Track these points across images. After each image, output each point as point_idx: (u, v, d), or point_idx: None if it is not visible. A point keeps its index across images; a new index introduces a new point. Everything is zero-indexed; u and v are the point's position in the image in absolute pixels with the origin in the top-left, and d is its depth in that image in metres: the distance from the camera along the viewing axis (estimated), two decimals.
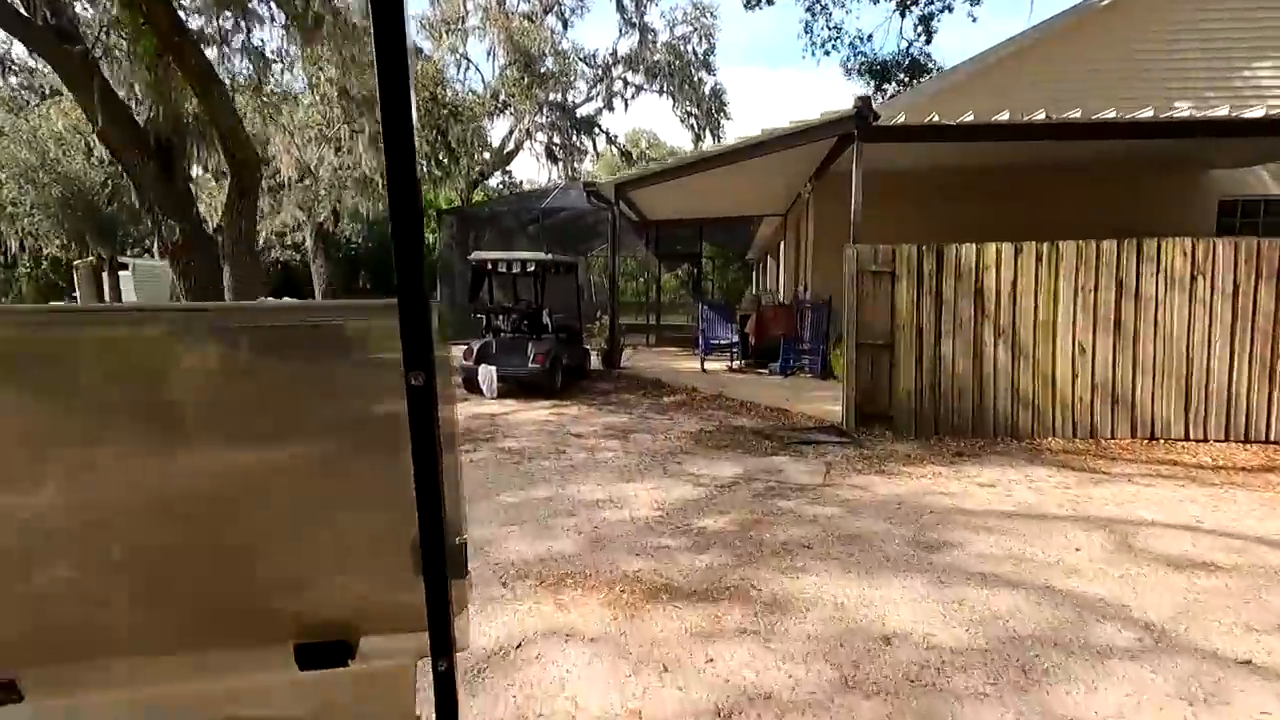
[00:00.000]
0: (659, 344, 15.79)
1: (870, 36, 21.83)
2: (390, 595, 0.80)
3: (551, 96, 24.03)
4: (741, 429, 6.72)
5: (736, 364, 10.82)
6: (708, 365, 10.62)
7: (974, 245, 6.42)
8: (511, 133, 26.07)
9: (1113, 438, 6.29)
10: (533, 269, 8.40)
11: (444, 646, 0.72)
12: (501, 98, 23.33)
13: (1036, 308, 6.36)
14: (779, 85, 78.51)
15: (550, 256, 8.57)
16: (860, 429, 6.62)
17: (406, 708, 0.81)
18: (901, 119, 6.53)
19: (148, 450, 0.78)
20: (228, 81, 12.11)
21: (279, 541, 0.82)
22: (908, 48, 18.62)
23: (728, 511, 4.20)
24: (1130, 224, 7.13)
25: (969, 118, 6.31)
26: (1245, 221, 9.72)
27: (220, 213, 11.07)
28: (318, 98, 13.74)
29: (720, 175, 10.22)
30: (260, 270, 9.93)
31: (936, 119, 6.36)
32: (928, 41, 17.98)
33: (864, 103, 6.31)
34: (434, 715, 0.77)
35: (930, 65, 18.73)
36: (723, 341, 10.96)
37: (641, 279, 23.42)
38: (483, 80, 31.50)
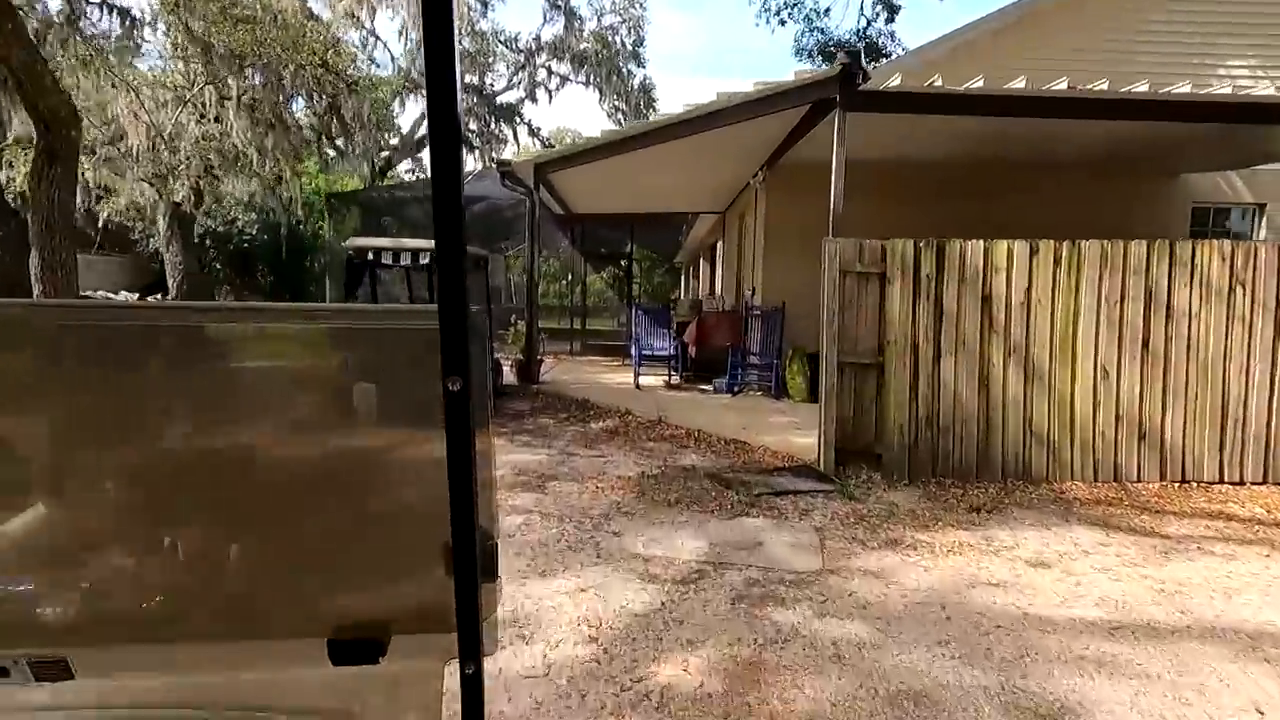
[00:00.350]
0: (584, 352, 14.19)
1: (828, 10, 20.36)
2: (422, 596, 0.80)
3: (468, 79, 22.01)
4: (694, 471, 5.21)
5: (675, 378, 9.36)
6: (642, 380, 9.11)
7: (981, 242, 5.19)
8: (424, 118, 23.85)
9: (1139, 480, 5.18)
10: (427, 261, 6.62)
11: (473, 649, 0.70)
12: (412, 75, 21.12)
13: (1053, 322, 5.18)
14: (710, 95, 78.37)
15: None
16: (842, 470, 5.25)
17: (433, 708, 0.82)
18: (897, 81, 5.24)
19: (196, 447, 0.80)
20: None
21: (318, 539, 0.83)
22: (866, 27, 17.55)
23: (700, 641, 2.66)
24: (1106, 227, 6.08)
25: (978, 83, 5.10)
26: (1216, 230, 9.12)
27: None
28: (170, 48, 11.35)
29: (655, 162, 8.75)
30: (73, 252, 7.64)
31: (939, 81, 5.11)
32: (890, 20, 16.94)
33: (853, 59, 4.98)
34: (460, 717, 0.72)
35: (890, 49, 17.84)
36: (659, 352, 9.48)
37: (565, 280, 21.77)
38: (392, 58, 28.99)
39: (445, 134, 0.59)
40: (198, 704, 0.83)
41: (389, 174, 23.50)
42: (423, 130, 23.43)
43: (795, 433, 6.31)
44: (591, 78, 24.64)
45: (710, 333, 9.60)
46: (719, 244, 14.42)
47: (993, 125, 6.56)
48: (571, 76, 24.86)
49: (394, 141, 22.68)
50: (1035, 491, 4.94)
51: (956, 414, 5.20)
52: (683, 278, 29.07)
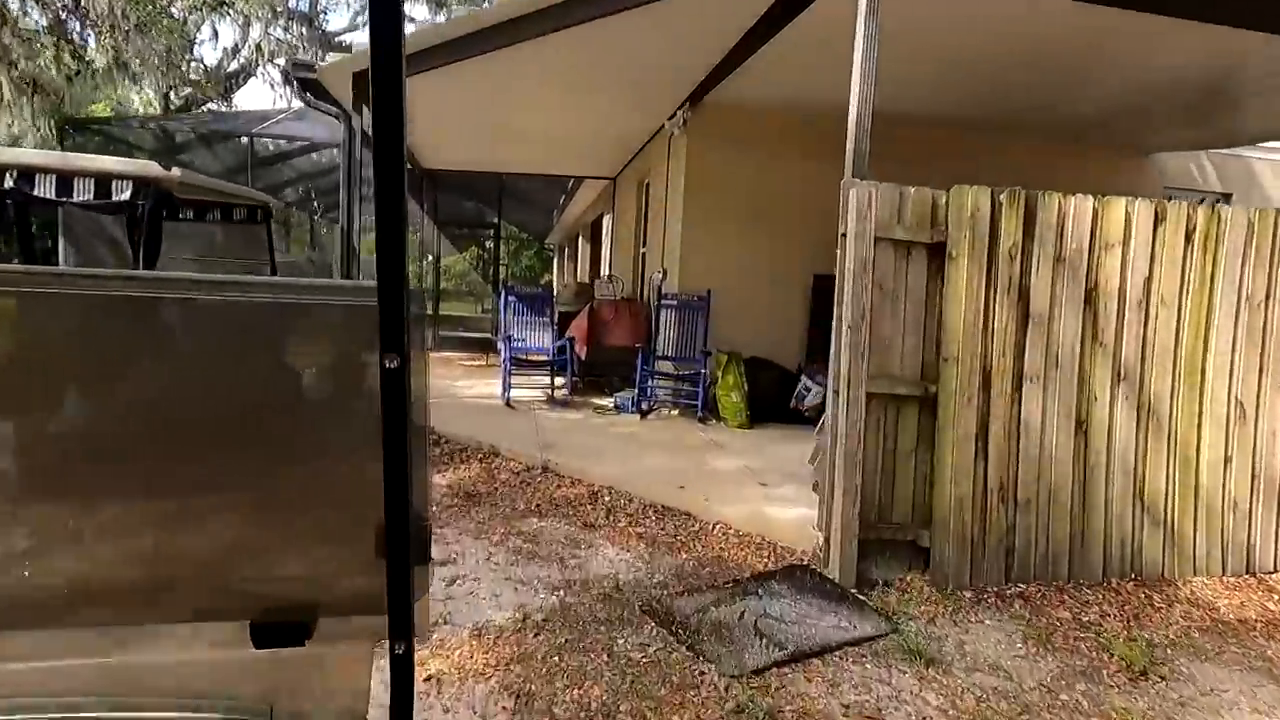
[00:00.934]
0: (439, 346, 11.27)
1: None
2: (350, 577, 0.77)
3: (294, 3, 17.92)
4: (620, 598, 2.81)
5: (561, 389, 6.87)
6: (516, 392, 6.54)
7: (1090, 199, 3.21)
8: (237, 51, 19.30)
9: (1275, 569, 3.48)
10: (130, 198, 3.67)
11: (403, 630, 0.67)
12: None
13: (1179, 331, 3.32)
14: None
15: (176, 174, 3.85)
16: (866, 570, 3.11)
17: (361, 689, 0.80)
18: None
19: (105, 417, 0.76)
20: None
21: (239, 518, 0.79)
22: None
23: None
24: None
25: None
26: None
27: None
28: None
29: (534, 89, 6.27)
30: None
31: None
32: None
33: None
34: (389, 697, 0.67)
35: None
36: (538, 354, 6.94)
37: (423, 260, 18.37)
38: None
39: (388, 94, 0.55)
40: (108, 691, 0.78)
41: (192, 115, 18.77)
42: (234, 64, 18.95)
43: (757, 489, 4.09)
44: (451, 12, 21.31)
45: (606, 328, 7.22)
46: (606, 218, 12.05)
47: (1013, 52, 4.71)
48: (429, 16, 21.40)
49: (193, 75, 18.00)
50: (1171, 608, 3.04)
51: (1043, 478, 3.20)
52: (556, 260, 26.37)
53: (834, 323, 3.21)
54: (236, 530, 0.79)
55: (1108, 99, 5.85)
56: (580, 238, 17.41)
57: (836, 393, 3.12)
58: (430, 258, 16.31)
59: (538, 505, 3.84)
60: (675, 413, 6.35)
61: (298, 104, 15.57)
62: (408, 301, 0.60)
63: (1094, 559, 3.27)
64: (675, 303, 6.54)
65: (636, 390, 6.26)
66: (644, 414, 6.19)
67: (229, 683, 0.79)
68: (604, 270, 12.07)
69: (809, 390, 6.09)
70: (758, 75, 5.34)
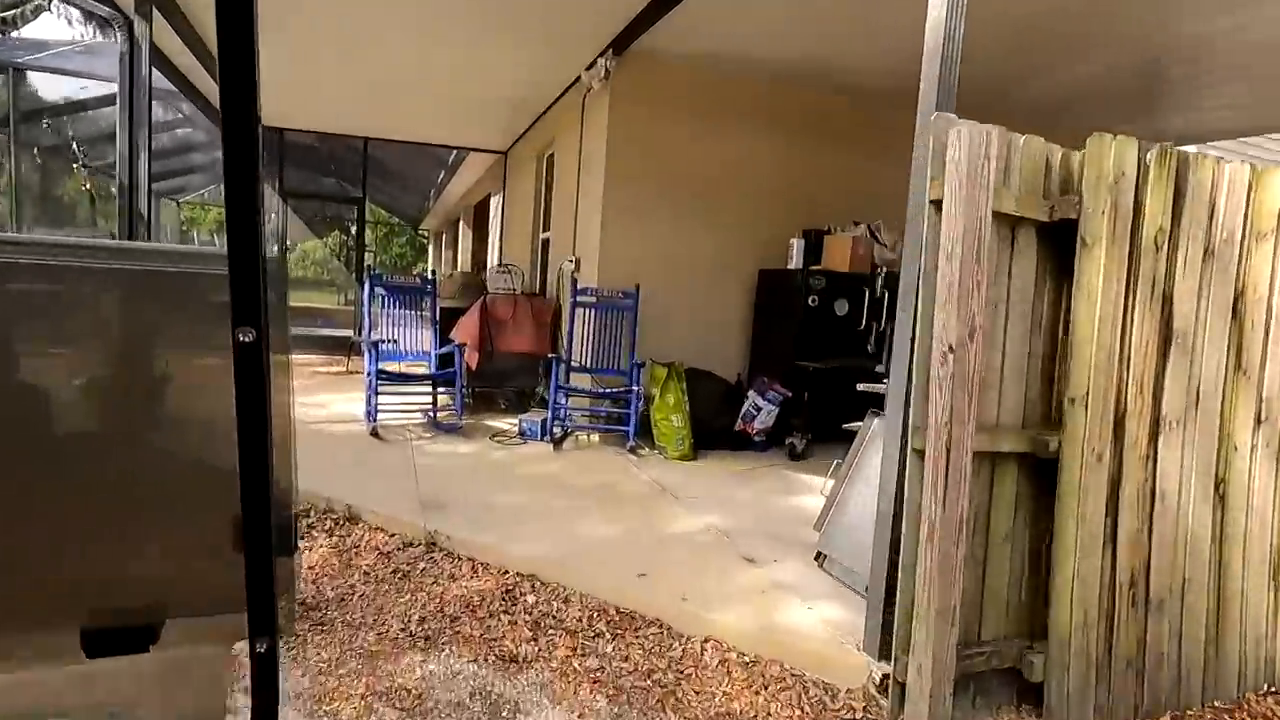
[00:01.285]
0: (288, 348, 9.22)
1: None
2: (201, 574, 0.70)
3: None
4: None
5: (447, 412, 5.34)
6: (386, 415, 4.95)
7: (1245, 166, 2.27)
8: None
9: None
10: None
11: (266, 626, 0.61)
12: None
13: None
14: None
15: None
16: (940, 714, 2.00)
17: (216, 694, 0.73)
18: None
19: None
20: None
21: (66, 509, 0.69)
22: None
23: None
24: None
25: None
26: None
27: None
28: None
29: (409, 39, 4.77)
30: None
31: None
32: None
33: None
34: (250, 700, 0.61)
35: None
36: (412, 366, 5.38)
37: (272, 247, 15.53)
38: None
39: (238, 47, 0.49)
40: None
41: None
42: None
43: (744, 569, 2.89)
44: None
45: (503, 330, 5.79)
46: (495, 199, 10.47)
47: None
48: None
49: None
50: None
51: (1177, 564, 2.25)
52: (432, 248, 24.06)
53: (906, 342, 2.07)
54: (61, 526, 0.68)
55: (1085, 79, 5.21)
56: (461, 222, 15.57)
57: (919, 451, 1.98)
58: (276, 244, 13.87)
59: (422, 622, 2.42)
60: (595, 438, 5.05)
61: (85, 32, 12.52)
62: (263, 269, 0.53)
63: (1229, 670, 2.36)
64: (594, 300, 5.23)
65: (551, 409, 4.89)
66: (557, 442, 4.84)
67: (57, 697, 0.69)
68: (491, 259, 10.49)
69: (759, 409, 5.02)
70: (701, 16, 4.16)
